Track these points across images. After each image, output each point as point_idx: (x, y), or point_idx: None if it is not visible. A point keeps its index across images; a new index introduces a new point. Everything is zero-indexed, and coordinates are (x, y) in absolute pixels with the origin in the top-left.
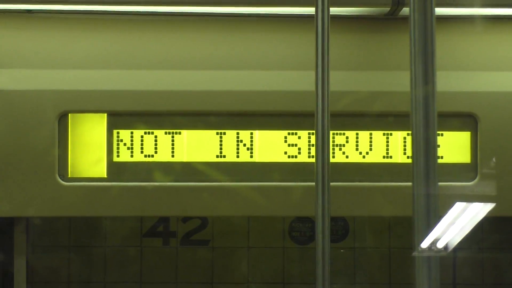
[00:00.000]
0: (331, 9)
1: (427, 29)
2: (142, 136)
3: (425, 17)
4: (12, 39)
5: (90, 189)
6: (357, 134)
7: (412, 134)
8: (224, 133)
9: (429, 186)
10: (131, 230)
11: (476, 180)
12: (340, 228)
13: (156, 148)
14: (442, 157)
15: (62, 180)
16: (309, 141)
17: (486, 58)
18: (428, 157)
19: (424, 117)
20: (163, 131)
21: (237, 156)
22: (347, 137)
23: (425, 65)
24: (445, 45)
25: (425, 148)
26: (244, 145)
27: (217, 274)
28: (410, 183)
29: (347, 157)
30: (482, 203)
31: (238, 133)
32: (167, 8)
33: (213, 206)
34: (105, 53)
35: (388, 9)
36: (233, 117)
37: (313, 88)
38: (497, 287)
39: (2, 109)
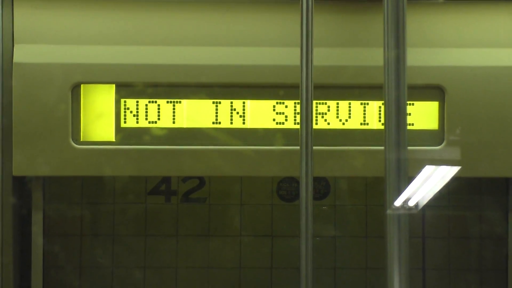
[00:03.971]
0: None
1: (399, 9)
2: (146, 105)
3: None
4: (31, 18)
5: (100, 152)
6: (337, 103)
7: (384, 100)
8: (220, 102)
9: (400, 150)
10: (137, 189)
11: (443, 144)
12: (322, 188)
13: (159, 115)
14: (413, 124)
15: (75, 143)
16: (295, 110)
17: (453, 36)
18: (399, 120)
19: (396, 82)
20: (165, 100)
21: (231, 123)
22: (328, 106)
23: (397, 40)
24: (416, 24)
25: (396, 112)
26: (237, 113)
27: (213, 228)
28: (382, 147)
29: (328, 124)
30: (449, 166)
31: (232, 102)
32: None
33: (210, 167)
34: (114, 30)
35: None
36: (227, 88)
37: (298, 62)
38: (461, 240)
39: (22, 80)
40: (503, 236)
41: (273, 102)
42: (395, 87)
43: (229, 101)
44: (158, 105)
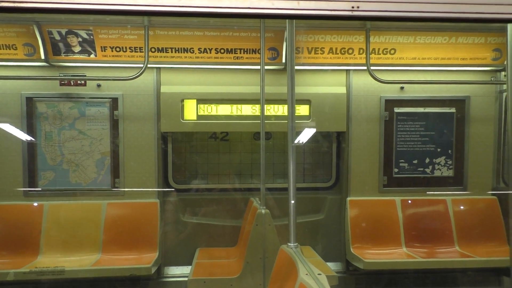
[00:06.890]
0: (266, 66)
1: (292, 73)
2: (207, 107)
3: (291, 69)
4: (166, 76)
5: (191, 123)
6: (274, 106)
7: (288, 104)
8: (232, 105)
9: (293, 122)
10: (204, 136)
11: (310, 120)
12: (270, 135)
13: (210, 110)
14: (299, 113)
15: (182, 120)
16: (259, 108)
17: (313, 81)
18: (292, 112)
19: (291, 100)
20: (213, 105)
21: (236, 113)
22: (271, 106)
23: (291, 85)
24: (300, 78)
25: (291, 109)
26: (238, 109)
27: (231, 149)
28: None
29: (271, 112)
30: (313, 128)
31: (237, 106)
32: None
33: (229, 127)
34: (195, 80)
35: (283, 66)
36: (235, 100)
37: (259, 91)
38: (317, 153)
39: (163, 99)
40: (331, 152)
41: (251, 105)
42: (291, 99)
43: (236, 105)
44: (211, 107)
